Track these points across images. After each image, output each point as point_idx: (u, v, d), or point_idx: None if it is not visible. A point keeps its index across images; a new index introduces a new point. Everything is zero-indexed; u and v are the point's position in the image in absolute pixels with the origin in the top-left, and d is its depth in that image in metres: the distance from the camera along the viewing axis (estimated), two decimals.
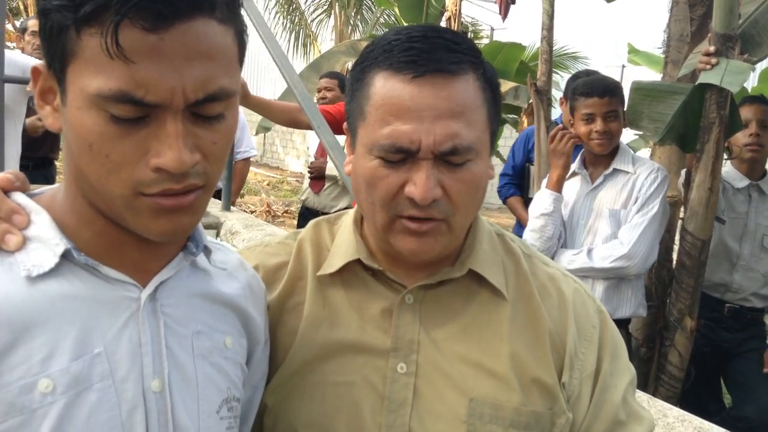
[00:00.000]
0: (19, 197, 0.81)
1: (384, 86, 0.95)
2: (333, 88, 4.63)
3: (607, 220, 2.65)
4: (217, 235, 3.40)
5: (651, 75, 7.25)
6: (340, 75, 4.90)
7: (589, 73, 3.57)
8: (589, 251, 2.63)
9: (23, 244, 0.77)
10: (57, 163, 5.19)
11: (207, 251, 0.90)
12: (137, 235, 0.78)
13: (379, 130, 0.95)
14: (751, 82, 6.41)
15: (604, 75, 2.85)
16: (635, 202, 2.61)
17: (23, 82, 4.04)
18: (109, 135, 0.72)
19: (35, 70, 0.78)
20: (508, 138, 10.97)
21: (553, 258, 2.63)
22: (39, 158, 4.63)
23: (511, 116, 8.09)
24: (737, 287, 2.97)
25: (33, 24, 4.49)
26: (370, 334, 1.04)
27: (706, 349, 2.98)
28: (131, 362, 0.77)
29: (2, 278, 0.74)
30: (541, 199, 2.72)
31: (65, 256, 0.76)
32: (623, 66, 14.48)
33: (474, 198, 1.00)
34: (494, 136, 1.02)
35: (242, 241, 3.17)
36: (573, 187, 2.78)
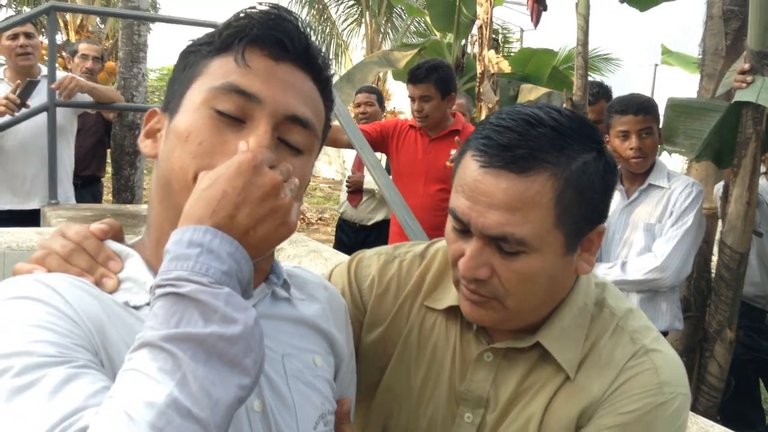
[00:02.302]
0: (112, 244, 0.89)
1: (466, 164, 1.00)
2: (373, 103, 4.70)
3: (642, 234, 2.71)
4: None
5: (684, 76, 7.22)
6: (377, 90, 4.98)
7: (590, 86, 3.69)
8: (623, 264, 2.69)
9: (118, 286, 0.83)
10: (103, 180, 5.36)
11: (286, 286, 0.97)
12: None
13: (453, 195, 1.03)
14: None
15: (638, 94, 2.91)
16: (670, 216, 2.67)
17: (74, 105, 4.22)
18: (207, 126, 0.82)
19: (152, 112, 0.91)
20: None
21: None
22: (88, 176, 4.77)
23: None
24: None
25: (84, 48, 4.63)
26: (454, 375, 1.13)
27: (747, 358, 3.01)
28: None
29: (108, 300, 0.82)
30: None
31: None
32: (656, 65, 14.41)
33: (528, 288, 1.01)
34: (575, 236, 1.02)
35: (287, 258, 3.25)
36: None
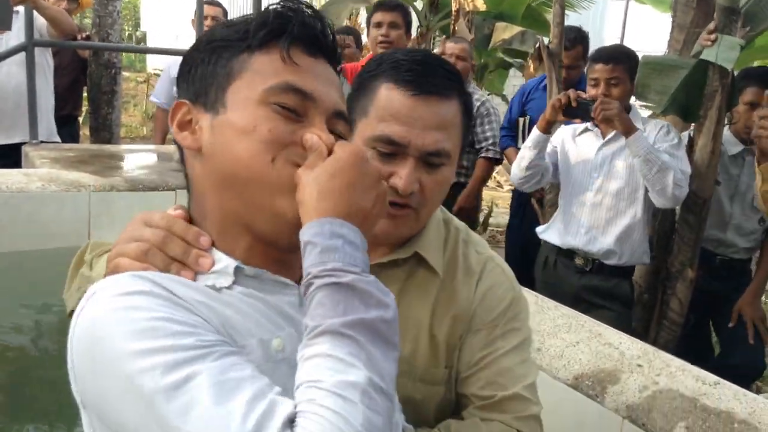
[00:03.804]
0: None
1: (388, 94, 1.19)
2: (350, 44, 4.72)
3: (622, 167, 2.87)
4: None
5: (655, 14, 7.28)
6: (354, 30, 5.00)
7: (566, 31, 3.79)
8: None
9: (213, 265, 0.87)
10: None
11: None
12: (273, 247, 0.90)
13: (378, 125, 1.19)
14: None
15: (618, 45, 3.04)
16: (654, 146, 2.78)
17: (52, 45, 4.21)
18: (273, 117, 0.86)
19: (178, 104, 0.93)
20: (516, 85, 11.02)
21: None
22: (64, 116, 4.78)
23: (517, 60, 8.17)
24: (729, 242, 3.19)
25: None
26: None
27: (699, 297, 3.20)
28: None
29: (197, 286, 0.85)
30: (530, 135, 3.04)
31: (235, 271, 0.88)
32: (627, 1, 14.39)
33: (441, 195, 1.24)
34: (463, 149, 1.27)
35: None
36: (586, 141, 3.01)
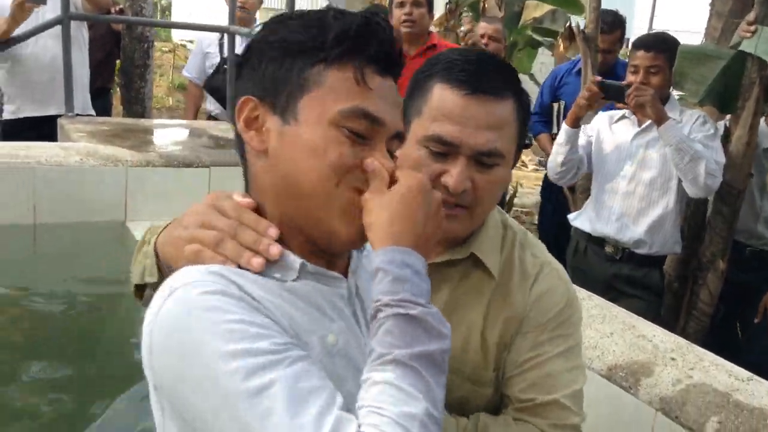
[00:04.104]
0: None
1: (442, 94, 1.21)
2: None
3: (657, 157, 2.87)
4: None
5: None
6: (383, 8, 4.95)
7: (603, 14, 3.75)
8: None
9: (280, 254, 0.90)
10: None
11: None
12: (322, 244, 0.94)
13: (431, 124, 1.21)
14: None
15: (663, 33, 3.03)
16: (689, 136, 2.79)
17: (87, 19, 4.25)
18: (343, 142, 0.89)
19: (245, 100, 0.93)
20: (544, 63, 10.91)
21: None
22: (97, 89, 4.81)
23: (547, 39, 8.10)
24: (760, 234, 3.19)
25: None
26: None
27: (729, 288, 3.20)
28: (355, 335, 0.95)
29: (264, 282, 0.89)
30: (560, 131, 3.06)
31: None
32: None
33: (495, 195, 1.25)
34: (521, 149, 1.28)
35: None
36: (621, 128, 3.01)
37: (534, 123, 4.24)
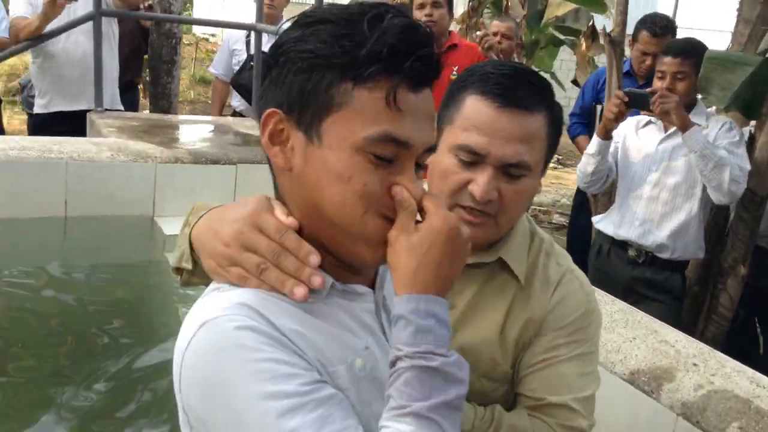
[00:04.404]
0: None
1: (474, 105, 1.25)
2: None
3: (682, 162, 2.89)
4: None
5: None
6: (407, 8, 4.99)
7: (654, 17, 3.74)
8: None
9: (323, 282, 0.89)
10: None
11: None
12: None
13: (462, 133, 1.25)
14: None
15: (691, 38, 3.05)
16: (715, 142, 2.81)
17: (118, 15, 4.32)
18: (368, 169, 0.86)
19: (271, 113, 0.89)
20: (565, 60, 10.88)
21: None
22: (125, 83, 4.88)
23: (569, 38, 8.09)
24: None
25: None
26: None
27: (748, 293, 3.21)
28: (383, 349, 0.97)
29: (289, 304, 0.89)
30: (591, 142, 3.08)
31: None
32: None
33: (521, 204, 1.29)
34: (548, 161, 1.32)
35: None
36: (647, 134, 3.04)
37: (573, 124, 4.26)
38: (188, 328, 0.86)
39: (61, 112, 4.20)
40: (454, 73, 3.64)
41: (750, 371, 1.86)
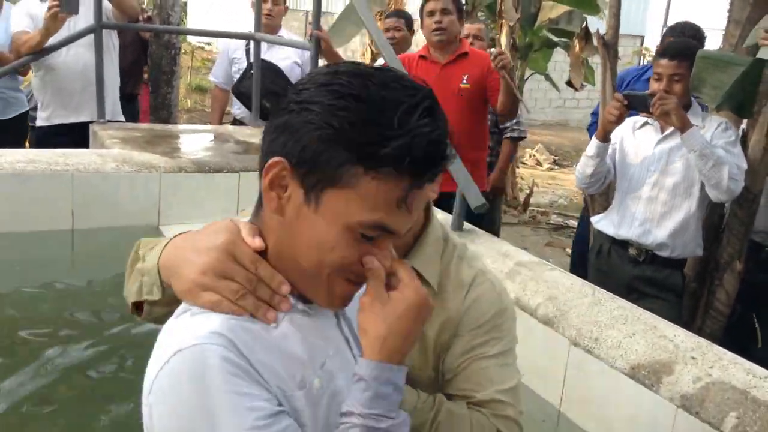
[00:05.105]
0: None
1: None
2: (401, 28, 4.79)
3: (680, 164, 2.95)
4: None
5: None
6: (406, 14, 5.05)
7: (683, 26, 3.80)
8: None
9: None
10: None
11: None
12: None
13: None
14: None
15: (687, 40, 3.11)
16: (711, 142, 2.86)
17: (119, 27, 4.37)
18: (351, 245, 0.92)
19: (277, 161, 0.91)
20: (559, 62, 10.94)
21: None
22: (125, 95, 4.93)
23: (563, 40, 8.16)
24: None
25: None
26: None
27: (745, 288, 3.26)
28: (344, 358, 1.04)
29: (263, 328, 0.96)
30: (590, 144, 3.14)
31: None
32: None
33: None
34: None
35: None
36: (645, 135, 3.10)
37: (593, 123, 4.33)
38: (162, 352, 0.91)
39: (63, 124, 4.25)
40: (464, 81, 3.69)
41: (747, 363, 1.92)
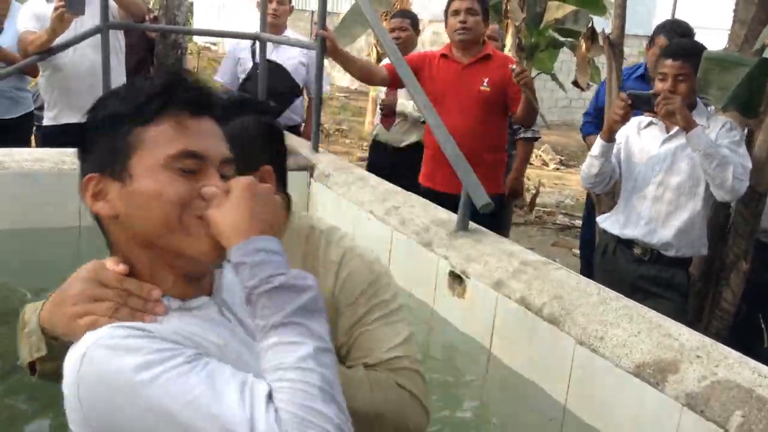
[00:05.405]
0: None
1: None
2: (407, 28, 4.78)
3: (685, 164, 2.95)
4: (311, 175, 3.73)
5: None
6: (412, 14, 5.05)
7: (672, 23, 3.80)
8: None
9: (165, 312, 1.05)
10: None
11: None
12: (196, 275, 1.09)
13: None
14: None
15: (692, 41, 3.10)
16: (716, 142, 2.86)
17: (126, 27, 4.39)
18: (176, 180, 1.01)
19: (88, 179, 1.05)
20: (566, 61, 10.93)
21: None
22: None
23: (569, 39, 8.15)
24: None
25: None
26: None
27: (751, 288, 3.26)
28: (241, 339, 1.10)
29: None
30: (595, 144, 3.14)
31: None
32: None
33: None
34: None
35: (336, 185, 3.51)
36: (650, 134, 3.10)
37: (585, 123, 4.32)
38: (73, 363, 0.96)
39: (69, 124, 4.26)
40: (485, 85, 3.68)
41: (752, 362, 1.92)
